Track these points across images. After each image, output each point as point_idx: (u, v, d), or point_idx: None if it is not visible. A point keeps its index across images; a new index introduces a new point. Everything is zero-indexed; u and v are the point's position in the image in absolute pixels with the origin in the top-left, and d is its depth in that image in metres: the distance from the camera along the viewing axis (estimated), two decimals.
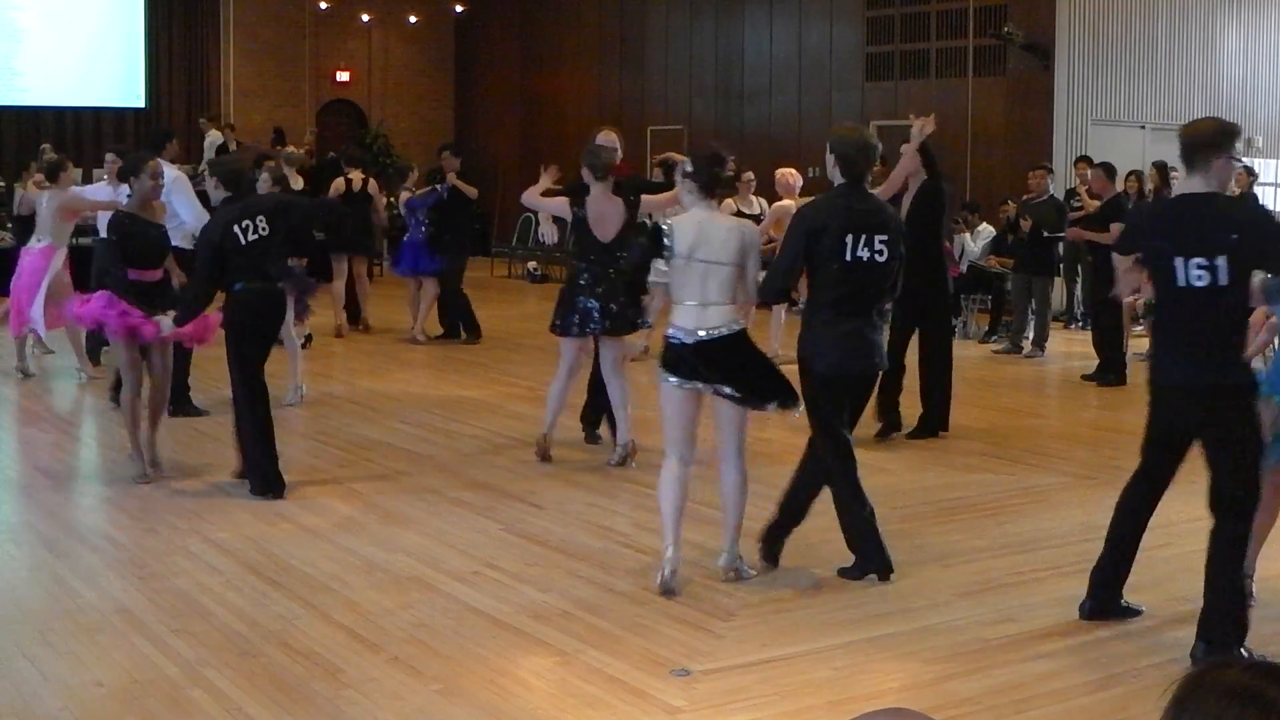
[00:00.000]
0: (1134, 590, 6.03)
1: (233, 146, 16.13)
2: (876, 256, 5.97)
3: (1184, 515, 7.27)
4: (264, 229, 7.57)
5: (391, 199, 16.45)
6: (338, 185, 14.57)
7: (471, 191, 13.94)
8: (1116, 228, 11.68)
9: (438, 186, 13.79)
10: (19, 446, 9.19)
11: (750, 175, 13.23)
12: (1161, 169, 14.51)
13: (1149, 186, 14.58)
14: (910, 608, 5.76)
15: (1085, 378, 12.07)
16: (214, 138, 20.30)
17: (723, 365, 5.85)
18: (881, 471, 8.34)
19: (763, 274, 6.20)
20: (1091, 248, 12.51)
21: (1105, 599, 5.62)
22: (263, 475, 7.59)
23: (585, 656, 5.12)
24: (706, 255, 5.82)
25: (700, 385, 5.86)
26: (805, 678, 4.94)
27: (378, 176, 16.64)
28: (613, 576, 6.12)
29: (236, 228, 7.50)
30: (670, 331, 5.92)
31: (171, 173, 9.26)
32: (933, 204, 9.29)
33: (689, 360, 5.84)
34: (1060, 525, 7.14)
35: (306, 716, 4.56)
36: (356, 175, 14.98)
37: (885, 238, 5.98)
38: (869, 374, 6.28)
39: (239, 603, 5.72)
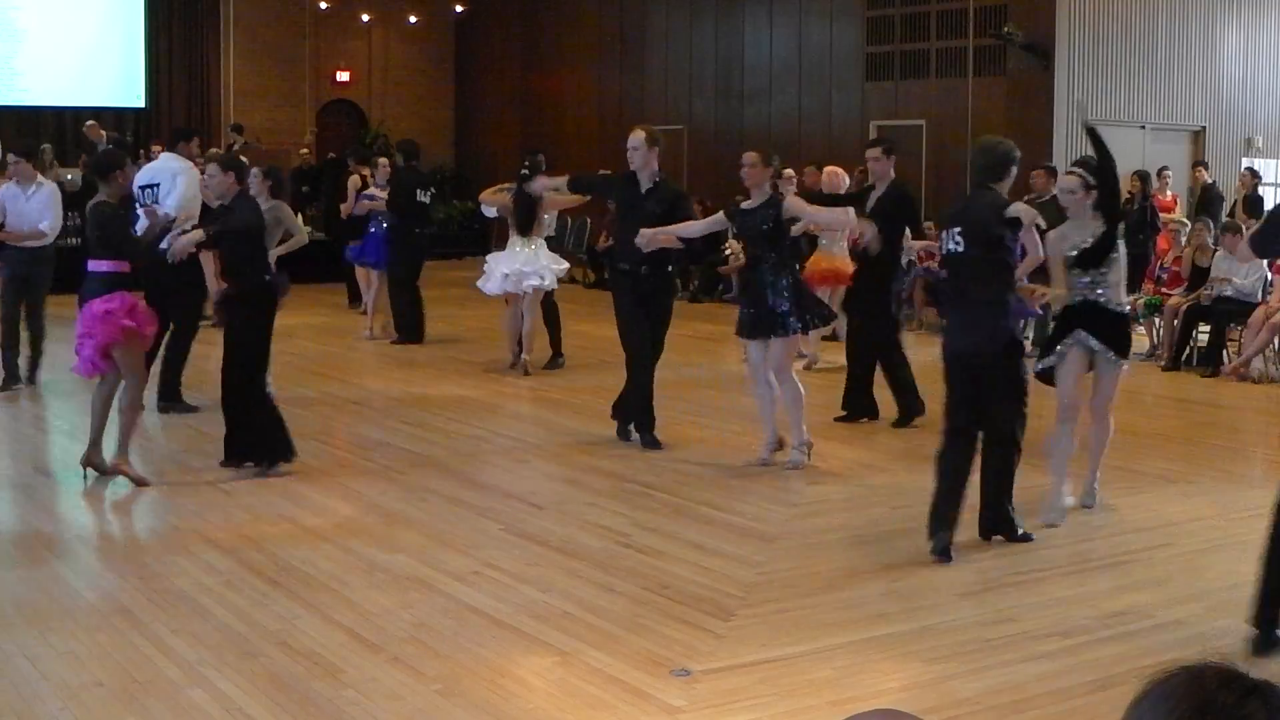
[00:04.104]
0: (1134, 590, 6.04)
1: (238, 147, 16.10)
2: None
3: (1184, 515, 7.28)
4: None
5: None
6: (354, 183, 14.76)
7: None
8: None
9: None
10: (19, 447, 9.19)
11: (790, 172, 13.04)
12: (1144, 178, 14.70)
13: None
14: (910, 608, 5.76)
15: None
16: None
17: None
18: (882, 471, 8.34)
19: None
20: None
21: None
22: (287, 441, 8.08)
23: (585, 656, 5.12)
24: None
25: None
26: (805, 678, 4.94)
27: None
28: (613, 576, 6.12)
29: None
30: None
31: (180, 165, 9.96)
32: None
33: None
34: (1060, 525, 7.13)
35: (306, 716, 4.57)
36: (361, 175, 15.11)
37: None
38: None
39: (239, 603, 5.72)
